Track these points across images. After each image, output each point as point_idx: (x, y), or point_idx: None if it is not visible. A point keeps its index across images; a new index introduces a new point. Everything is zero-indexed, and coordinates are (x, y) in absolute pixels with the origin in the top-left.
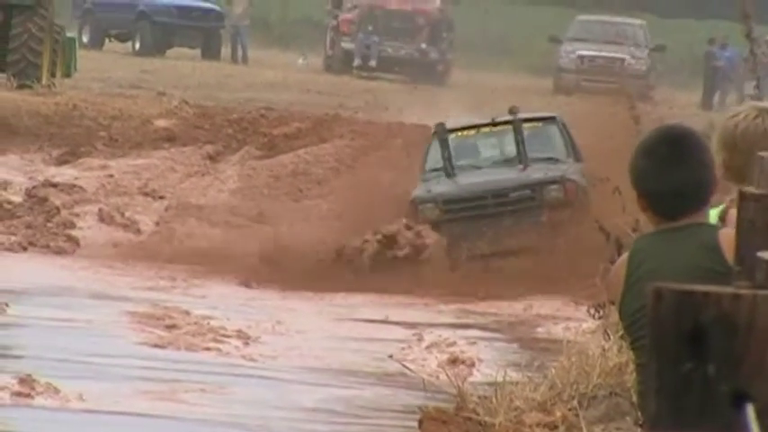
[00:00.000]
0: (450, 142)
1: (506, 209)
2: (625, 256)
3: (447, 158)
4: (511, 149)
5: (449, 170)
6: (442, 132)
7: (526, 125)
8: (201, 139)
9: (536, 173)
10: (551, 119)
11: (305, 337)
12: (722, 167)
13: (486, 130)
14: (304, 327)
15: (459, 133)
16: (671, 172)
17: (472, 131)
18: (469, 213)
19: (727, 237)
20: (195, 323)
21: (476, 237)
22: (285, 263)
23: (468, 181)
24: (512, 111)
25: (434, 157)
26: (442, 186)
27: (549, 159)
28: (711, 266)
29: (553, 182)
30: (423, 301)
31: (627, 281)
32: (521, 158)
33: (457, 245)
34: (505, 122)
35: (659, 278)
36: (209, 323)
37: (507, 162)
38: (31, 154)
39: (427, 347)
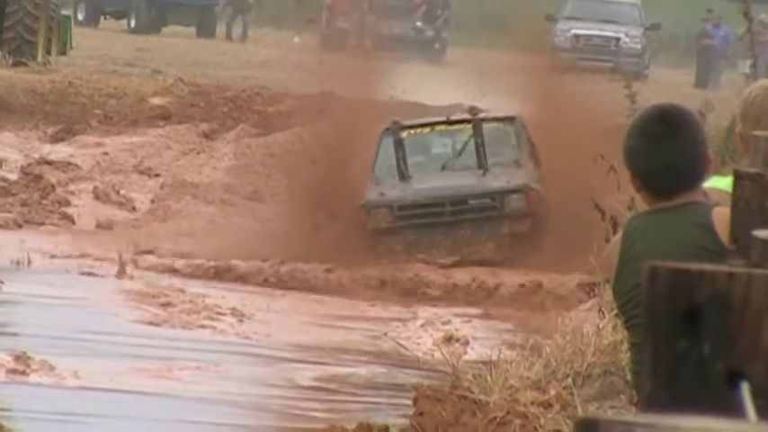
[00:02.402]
0: (404, 141)
1: (465, 217)
2: (619, 235)
3: (402, 159)
4: (469, 151)
5: (403, 172)
6: (396, 130)
7: (485, 125)
8: (197, 116)
9: (497, 180)
10: (511, 119)
11: (299, 315)
12: (739, 137)
13: (442, 128)
14: (298, 305)
15: (414, 131)
16: (664, 150)
17: (427, 129)
18: (425, 220)
19: (720, 215)
20: (190, 301)
21: (431, 245)
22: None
23: (425, 185)
24: (472, 111)
25: (387, 156)
26: (396, 190)
27: (509, 163)
28: (705, 245)
29: (515, 191)
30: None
31: (621, 259)
32: (480, 162)
33: (411, 252)
34: (463, 121)
35: (653, 257)
36: (203, 301)
37: (466, 165)
38: (26, 131)
39: (422, 326)
